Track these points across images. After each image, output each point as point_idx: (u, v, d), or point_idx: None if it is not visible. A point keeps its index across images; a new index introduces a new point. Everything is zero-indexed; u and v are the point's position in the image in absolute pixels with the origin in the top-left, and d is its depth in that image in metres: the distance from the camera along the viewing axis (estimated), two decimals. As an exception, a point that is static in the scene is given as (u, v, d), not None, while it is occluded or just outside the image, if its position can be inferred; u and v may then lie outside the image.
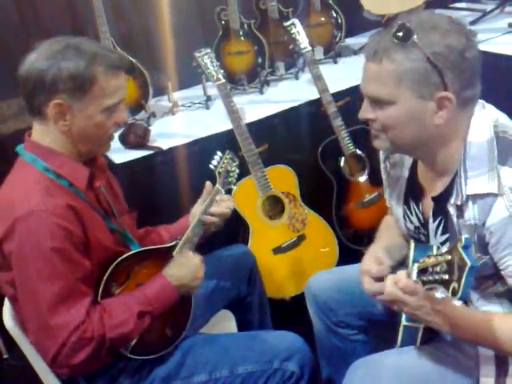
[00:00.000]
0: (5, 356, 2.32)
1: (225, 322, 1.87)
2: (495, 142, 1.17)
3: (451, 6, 3.33)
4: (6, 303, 1.44)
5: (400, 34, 1.12)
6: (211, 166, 1.65)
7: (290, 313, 2.14)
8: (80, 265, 1.33)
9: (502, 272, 1.18)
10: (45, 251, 1.27)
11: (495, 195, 1.14)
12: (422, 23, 1.14)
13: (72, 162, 1.39)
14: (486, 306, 1.27)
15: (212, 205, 1.59)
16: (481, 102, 1.24)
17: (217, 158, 1.67)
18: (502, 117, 1.23)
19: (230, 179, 1.68)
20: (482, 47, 2.61)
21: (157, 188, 2.25)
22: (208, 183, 1.64)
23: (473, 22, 2.99)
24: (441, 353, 1.33)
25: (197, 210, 1.65)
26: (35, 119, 1.37)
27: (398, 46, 1.12)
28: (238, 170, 1.71)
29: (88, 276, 1.35)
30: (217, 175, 1.65)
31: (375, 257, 1.38)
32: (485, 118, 1.20)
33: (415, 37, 1.11)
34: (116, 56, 1.38)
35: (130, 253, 1.46)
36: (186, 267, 1.48)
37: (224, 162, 1.67)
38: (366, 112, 1.23)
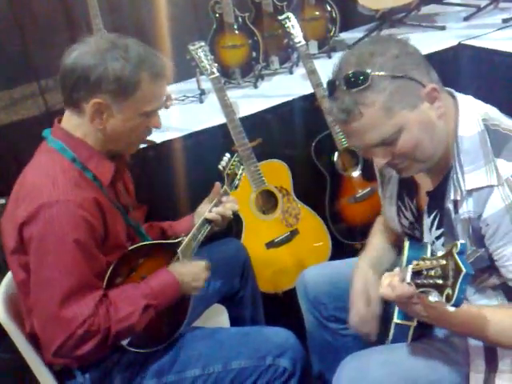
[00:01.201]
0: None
1: (217, 317, 1.88)
2: (487, 134, 1.17)
3: (445, 1, 3.33)
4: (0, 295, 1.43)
5: (354, 83, 1.11)
6: (220, 167, 1.67)
7: (283, 307, 2.14)
8: (97, 259, 1.33)
9: (496, 263, 1.19)
10: (67, 242, 1.26)
11: (491, 187, 1.14)
12: (360, 60, 1.14)
13: (100, 156, 1.39)
14: (482, 300, 1.28)
15: (217, 205, 1.61)
16: (469, 97, 1.25)
17: (225, 159, 1.68)
18: (492, 110, 1.24)
19: (237, 182, 1.71)
20: (476, 43, 2.65)
21: (150, 182, 2.25)
22: (217, 184, 1.65)
23: (467, 18, 3.01)
24: (431, 349, 1.34)
25: (203, 209, 1.66)
26: (70, 109, 1.37)
27: (361, 92, 1.11)
28: (243, 174, 1.73)
29: (101, 270, 1.35)
30: (225, 177, 1.67)
31: (363, 288, 1.43)
32: (472, 112, 1.20)
33: (368, 72, 1.10)
34: (161, 63, 1.36)
35: (135, 245, 1.46)
36: (190, 266, 1.49)
37: (233, 165, 1.69)
38: (381, 160, 1.19)
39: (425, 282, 1.03)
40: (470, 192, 1.17)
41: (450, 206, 1.23)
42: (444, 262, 0.99)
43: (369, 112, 1.12)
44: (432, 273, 1.01)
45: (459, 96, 1.24)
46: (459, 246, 0.97)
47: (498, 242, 1.16)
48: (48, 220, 1.26)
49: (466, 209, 1.19)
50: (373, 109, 1.11)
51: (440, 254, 1.02)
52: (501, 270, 1.19)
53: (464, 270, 0.94)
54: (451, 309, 0.96)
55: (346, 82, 1.12)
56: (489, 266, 1.21)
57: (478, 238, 1.19)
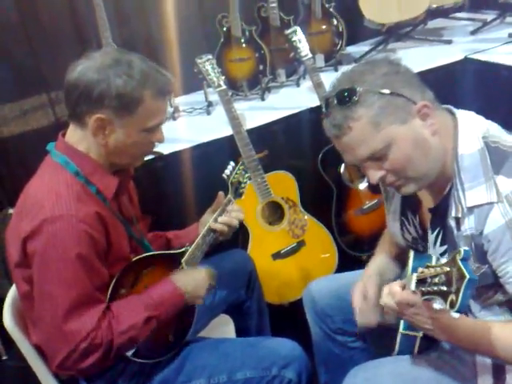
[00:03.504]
0: (4, 357, 2.31)
1: (223, 327, 1.87)
2: (486, 151, 1.18)
3: (452, 16, 3.35)
4: (7, 304, 1.45)
5: (344, 99, 1.15)
6: (224, 176, 1.66)
7: (289, 318, 2.14)
8: (99, 273, 1.33)
9: (501, 279, 1.19)
10: (70, 256, 1.27)
11: (491, 204, 1.15)
12: (352, 78, 1.19)
13: (103, 170, 1.40)
14: (488, 317, 1.27)
15: (222, 214, 1.61)
16: (469, 113, 1.26)
17: (230, 167, 1.67)
18: (492, 126, 1.24)
19: (241, 190, 1.69)
20: (483, 57, 2.66)
21: (157, 192, 2.26)
22: (221, 193, 1.65)
23: (473, 32, 3.02)
24: (438, 361, 1.33)
25: (207, 218, 1.65)
26: (73, 123, 1.38)
27: (351, 107, 1.15)
28: (248, 182, 1.72)
29: (104, 284, 1.35)
30: (229, 185, 1.66)
31: (363, 289, 1.43)
32: (473, 129, 1.21)
33: (357, 89, 1.15)
34: (164, 80, 1.37)
35: (139, 256, 1.46)
36: (193, 275, 1.49)
37: (237, 173, 1.68)
38: (374, 174, 1.22)
39: (429, 289, 1.03)
40: (471, 209, 1.18)
41: (452, 223, 1.23)
42: (448, 268, 0.99)
43: (357, 126, 1.16)
44: (436, 280, 1.01)
45: (459, 113, 1.25)
46: (463, 252, 0.97)
47: (501, 259, 1.16)
48: (51, 235, 1.27)
49: (468, 226, 1.19)
50: (361, 123, 1.15)
51: (444, 261, 1.02)
52: (505, 286, 1.19)
53: (467, 276, 0.94)
54: (455, 315, 0.96)
55: (337, 99, 1.16)
56: (493, 283, 1.21)
57: (481, 255, 1.19)
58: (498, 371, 1.27)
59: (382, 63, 1.21)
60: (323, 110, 1.21)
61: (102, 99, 1.30)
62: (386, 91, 1.15)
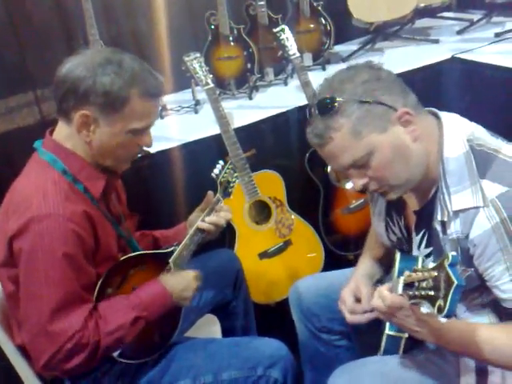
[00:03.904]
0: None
1: (209, 327, 1.87)
2: (472, 155, 1.19)
3: (439, 15, 3.37)
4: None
5: (324, 109, 1.17)
6: (213, 175, 1.65)
7: (275, 318, 2.14)
8: (86, 272, 1.33)
9: (488, 283, 1.19)
10: (56, 256, 1.26)
11: (477, 208, 1.15)
12: (332, 87, 1.20)
13: (91, 168, 1.39)
14: (472, 318, 1.28)
15: (210, 214, 1.60)
16: (454, 115, 1.27)
17: (219, 166, 1.67)
18: (477, 129, 1.25)
19: (230, 190, 1.69)
20: (469, 56, 2.68)
21: (144, 191, 2.25)
22: (210, 193, 1.65)
23: (460, 32, 3.04)
24: (423, 360, 1.34)
25: (195, 217, 1.65)
26: (61, 119, 1.37)
27: (331, 117, 1.17)
28: (237, 181, 1.72)
29: (91, 283, 1.35)
30: (218, 184, 1.66)
31: (355, 288, 1.44)
32: (458, 132, 1.22)
33: (336, 98, 1.16)
34: (155, 82, 1.36)
35: (126, 256, 1.46)
36: (180, 276, 1.48)
37: (226, 172, 1.68)
38: (358, 182, 1.24)
39: (416, 293, 1.03)
40: (456, 213, 1.19)
41: (438, 226, 1.24)
42: (436, 273, 0.99)
43: (338, 136, 1.17)
44: (424, 284, 1.01)
45: (444, 116, 1.26)
46: (450, 257, 0.97)
47: (487, 263, 1.17)
48: (37, 234, 1.26)
49: (454, 229, 1.20)
50: (341, 132, 1.17)
51: (431, 265, 1.02)
52: (493, 290, 1.20)
53: (455, 281, 0.94)
54: (443, 320, 0.97)
55: (317, 109, 1.18)
56: (479, 286, 1.22)
57: (467, 258, 1.19)
58: (482, 372, 1.28)
59: (363, 70, 1.21)
60: (308, 117, 1.23)
61: (87, 95, 1.29)
62: (366, 100, 1.16)
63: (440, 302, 0.96)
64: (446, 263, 0.97)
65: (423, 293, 1.01)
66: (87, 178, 1.37)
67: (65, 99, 1.32)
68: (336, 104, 1.15)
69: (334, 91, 1.18)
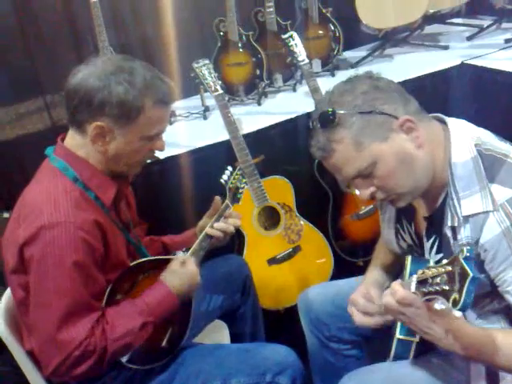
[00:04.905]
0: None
1: (218, 332, 1.86)
2: (480, 159, 1.18)
3: (448, 21, 3.36)
4: (0, 310, 1.43)
5: (325, 122, 1.18)
6: (222, 181, 1.66)
7: (284, 324, 2.13)
8: (96, 280, 1.32)
9: (499, 288, 1.18)
10: (66, 264, 1.26)
11: (487, 212, 1.14)
12: (332, 100, 1.21)
13: (102, 176, 1.39)
14: (485, 325, 1.27)
15: (219, 220, 1.60)
16: (461, 121, 1.26)
17: (227, 172, 1.67)
18: (484, 134, 1.25)
19: (238, 196, 1.69)
20: (479, 62, 2.67)
21: (153, 197, 2.25)
22: (217, 198, 1.65)
23: (470, 38, 3.03)
24: (432, 366, 1.33)
25: (204, 223, 1.65)
26: (73, 129, 1.37)
27: (333, 129, 1.18)
28: (246, 187, 1.72)
29: (100, 291, 1.35)
30: (227, 190, 1.66)
31: (365, 292, 1.42)
32: (465, 137, 1.21)
33: (336, 111, 1.17)
34: (166, 88, 1.36)
35: (136, 262, 1.46)
36: (184, 275, 1.46)
37: (235, 178, 1.68)
38: (364, 192, 1.24)
39: (430, 289, 1.02)
40: (466, 218, 1.18)
41: (449, 232, 1.23)
42: (450, 268, 0.99)
43: (340, 148, 1.18)
44: (438, 280, 1.01)
45: (450, 121, 1.25)
46: (465, 251, 0.97)
47: (498, 268, 1.16)
48: (48, 242, 1.26)
49: (464, 235, 1.19)
50: (343, 144, 1.18)
51: (445, 261, 1.01)
52: (504, 295, 1.18)
53: (471, 274, 0.94)
54: (458, 314, 0.96)
55: (319, 122, 1.19)
56: (490, 292, 1.21)
57: (478, 264, 1.18)
58: (492, 377, 1.26)
59: (362, 80, 1.22)
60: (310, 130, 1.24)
61: (102, 107, 1.29)
62: (366, 110, 1.16)
63: (455, 296, 0.95)
64: (461, 257, 0.97)
65: (437, 288, 1.00)
66: (98, 185, 1.38)
67: (78, 110, 1.31)
68: (336, 116, 1.16)
69: (334, 104, 1.19)
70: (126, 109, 1.30)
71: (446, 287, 0.98)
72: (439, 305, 1.00)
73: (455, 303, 0.95)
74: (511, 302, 1.18)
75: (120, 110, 1.29)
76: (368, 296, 1.41)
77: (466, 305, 0.94)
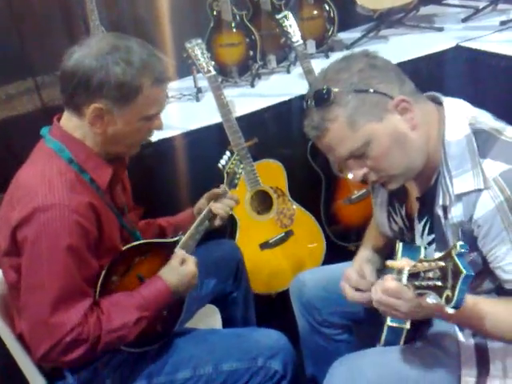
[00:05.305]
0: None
1: (209, 317, 1.88)
2: (473, 137, 1.17)
3: (444, 2, 3.33)
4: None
5: (319, 100, 1.16)
6: (219, 165, 1.66)
7: (276, 309, 2.14)
8: (89, 265, 1.32)
9: (491, 265, 1.18)
10: (60, 248, 1.25)
11: (479, 191, 1.14)
12: (327, 77, 1.19)
13: (98, 158, 1.37)
14: None
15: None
16: (457, 100, 1.25)
17: (225, 157, 1.67)
18: (481, 113, 1.24)
19: (236, 181, 1.70)
20: (474, 45, 2.64)
21: (145, 180, 2.24)
22: (223, 186, 1.66)
23: (465, 19, 3.00)
24: (423, 352, 1.34)
25: (202, 205, 1.65)
26: (69, 111, 1.35)
27: (327, 108, 1.16)
28: (243, 173, 1.72)
29: (93, 276, 1.34)
30: (225, 175, 1.66)
31: (358, 269, 1.42)
32: (459, 116, 1.20)
33: (331, 89, 1.15)
34: (163, 66, 1.34)
35: (132, 244, 1.45)
36: (183, 276, 1.45)
37: (232, 163, 1.68)
38: (357, 173, 1.23)
39: (423, 283, 1.02)
40: (459, 196, 1.18)
41: (440, 211, 1.23)
42: (443, 263, 0.98)
43: (334, 127, 1.16)
44: (430, 274, 1.00)
45: (446, 100, 1.24)
46: (459, 247, 0.96)
47: (491, 243, 1.16)
48: (42, 224, 1.24)
49: (455, 213, 1.19)
50: (337, 123, 1.16)
51: (438, 255, 1.01)
52: (495, 271, 1.19)
53: (464, 271, 0.93)
54: (451, 311, 0.95)
55: (313, 100, 1.17)
56: (482, 271, 1.21)
57: (470, 242, 1.17)
58: (483, 362, 1.27)
59: (358, 59, 1.20)
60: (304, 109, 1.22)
61: (100, 88, 1.27)
62: (362, 89, 1.15)
63: (448, 293, 0.95)
64: (454, 253, 0.96)
65: (430, 283, 1.00)
66: (94, 168, 1.36)
67: (76, 92, 1.29)
68: (331, 94, 1.14)
69: (329, 82, 1.17)
70: (125, 89, 1.28)
71: (439, 283, 0.97)
72: (431, 299, 1.00)
73: (448, 300, 0.95)
74: (502, 278, 1.18)
75: (118, 91, 1.28)
76: (361, 272, 1.41)
77: (459, 302, 0.94)
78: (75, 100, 1.31)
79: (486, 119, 1.22)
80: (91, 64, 1.26)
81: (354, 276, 1.40)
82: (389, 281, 1.13)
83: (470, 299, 1.14)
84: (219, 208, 1.61)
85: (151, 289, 1.40)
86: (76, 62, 1.28)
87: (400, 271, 1.09)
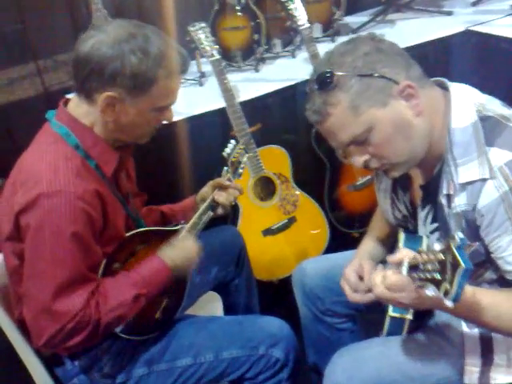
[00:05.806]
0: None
1: (211, 304, 1.87)
2: (480, 124, 1.15)
3: (453, -15, 3.26)
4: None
5: (322, 84, 1.13)
6: (224, 154, 1.63)
7: (278, 295, 2.13)
8: (93, 252, 1.31)
9: (493, 255, 1.17)
10: (64, 234, 1.24)
11: (484, 180, 1.12)
12: (331, 61, 1.16)
13: (105, 145, 1.35)
14: None
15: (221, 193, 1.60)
16: (464, 86, 1.22)
17: (230, 146, 1.65)
18: (489, 99, 1.21)
19: (240, 170, 1.68)
20: (484, 29, 2.60)
21: (149, 165, 2.22)
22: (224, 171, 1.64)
23: (475, 3, 2.96)
24: (426, 342, 1.33)
25: (205, 193, 1.64)
26: (80, 97, 1.32)
27: (330, 92, 1.13)
28: (248, 162, 1.69)
29: (97, 263, 1.33)
30: (229, 164, 1.64)
31: (358, 268, 1.40)
32: (466, 103, 1.18)
33: (335, 73, 1.12)
34: (180, 59, 1.32)
35: (134, 231, 1.44)
36: (181, 249, 1.45)
37: (237, 152, 1.66)
38: (358, 159, 1.20)
39: (422, 275, 1.00)
40: (463, 185, 1.15)
41: (444, 200, 1.21)
42: (442, 256, 0.96)
43: (336, 111, 1.14)
44: (429, 267, 0.98)
45: (453, 86, 1.21)
46: (458, 240, 0.94)
47: (494, 233, 1.14)
48: (47, 210, 1.23)
49: (458, 203, 1.17)
50: (339, 108, 1.13)
51: (438, 247, 0.99)
52: (498, 261, 1.17)
53: (463, 265, 0.91)
54: (449, 304, 0.94)
55: (316, 84, 1.14)
56: (484, 261, 1.19)
57: (473, 231, 1.17)
58: (487, 352, 1.26)
59: (364, 42, 1.17)
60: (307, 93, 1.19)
61: (114, 77, 1.24)
62: (365, 73, 1.12)
63: (447, 286, 0.93)
64: (453, 246, 0.94)
65: (429, 275, 0.98)
66: (100, 154, 1.34)
67: (88, 79, 1.26)
68: (334, 78, 1.12)
69: (333, 65, 1.14)
70: (139, 80, 1.26)
71: (438, 276, 0.96)
72: (430, 291, 0.98)
73: (446, 293, 0.93)
74: (504, 269, 1.16)
75: (133, 81, 1.25)
76: (360, 270, 1.39)
77: (458, 295, 0.92)
78: (87, 87, 1.28)
79: (495, 106, 1.19)
80: (107, 52, 1.23)
81: (353, 279, 1.38)
82: (391, 276, 1.11)
83: (470, 290, 1.12)
84: (223, 197, 1.60)
85: (148, 266, 1.39)
86: (91, 48, 1.25)
87: (400, 263, 1.08)
